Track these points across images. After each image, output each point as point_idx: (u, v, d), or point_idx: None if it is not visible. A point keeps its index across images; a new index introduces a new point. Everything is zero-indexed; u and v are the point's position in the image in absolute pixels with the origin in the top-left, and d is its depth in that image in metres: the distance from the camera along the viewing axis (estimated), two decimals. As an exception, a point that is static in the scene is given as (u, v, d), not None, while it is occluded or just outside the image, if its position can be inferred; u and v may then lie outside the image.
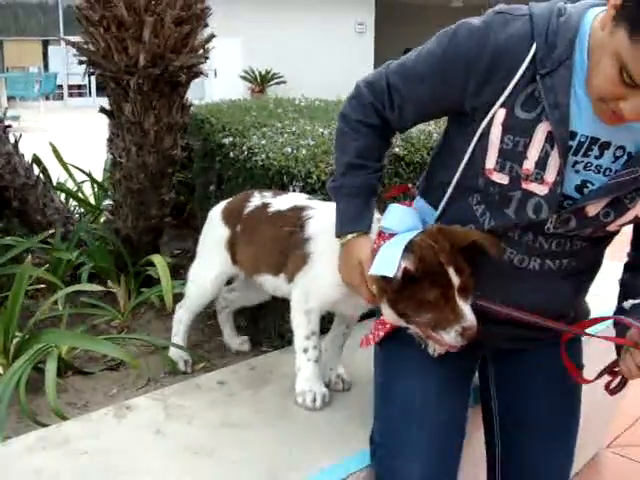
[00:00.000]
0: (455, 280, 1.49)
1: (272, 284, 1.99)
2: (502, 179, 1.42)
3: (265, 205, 2.04)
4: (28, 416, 1.88)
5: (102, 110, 2.37)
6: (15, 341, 2.07)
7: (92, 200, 3.49)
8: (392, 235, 1.57)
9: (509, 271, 1.50)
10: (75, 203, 3.44)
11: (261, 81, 18.72)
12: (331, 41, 18.93)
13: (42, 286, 2.38)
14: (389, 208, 1.64)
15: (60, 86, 22.22)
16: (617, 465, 3.24)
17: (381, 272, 1.47)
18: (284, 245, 1.91)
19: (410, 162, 2.41)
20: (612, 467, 3.24)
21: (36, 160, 3.13)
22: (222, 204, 2.22)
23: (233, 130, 2.58)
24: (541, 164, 1.37)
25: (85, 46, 2.21)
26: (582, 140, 1.36)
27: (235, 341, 2.34)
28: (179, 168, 2.80)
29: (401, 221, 1.60)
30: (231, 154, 2.46)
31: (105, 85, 2.29)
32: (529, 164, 1.38)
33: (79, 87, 23.92)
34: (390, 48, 22.57)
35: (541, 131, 1.36)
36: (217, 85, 15.28)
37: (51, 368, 1.96)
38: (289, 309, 1.93)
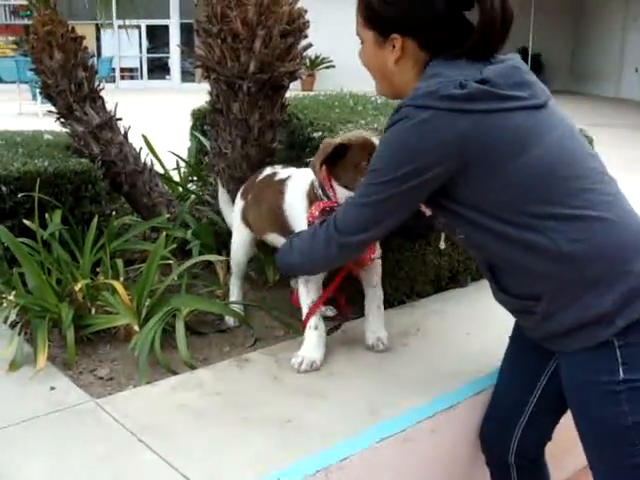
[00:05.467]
0: None
1: (279, 242, 2.27)
2: None
3: (273, 174, 2.37)
4: (163, 366, 2.16)
5: (213, 108, 2.72)
6: (146, 304, 2.41)
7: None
8: None
9: None
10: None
11: (311, 65, 18.85)
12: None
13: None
14: None
15: (112, 69, 22.71)
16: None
17: None
18: (275, 209, 2.24)
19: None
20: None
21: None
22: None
23: (321, 125, 2.85)
24: None
25: (202, 54, 2.56)
26: None
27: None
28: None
29: None
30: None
31: (216, 87, 2.64)
32: None
33: (130, 70, 24.51)
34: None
35: None
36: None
37: (180, 327, 2.25)
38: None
